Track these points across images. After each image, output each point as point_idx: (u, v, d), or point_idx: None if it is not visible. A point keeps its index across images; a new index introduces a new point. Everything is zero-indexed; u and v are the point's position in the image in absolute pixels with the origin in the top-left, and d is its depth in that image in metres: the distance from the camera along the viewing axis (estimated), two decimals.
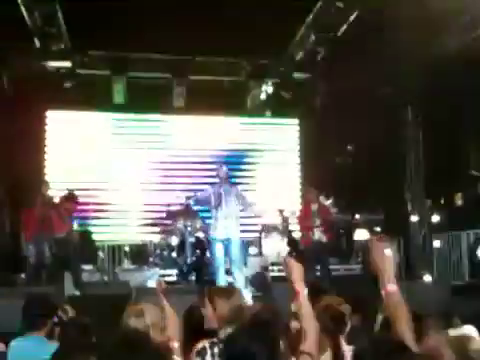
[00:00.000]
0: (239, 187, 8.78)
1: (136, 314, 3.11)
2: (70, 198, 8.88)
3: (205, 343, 3.08)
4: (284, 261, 2.76)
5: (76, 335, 3.40)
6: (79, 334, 3.40)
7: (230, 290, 3.39)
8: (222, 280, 7.76)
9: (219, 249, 7.89)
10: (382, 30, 9.05)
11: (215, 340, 3.08)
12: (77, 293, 7.78)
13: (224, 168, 8.16)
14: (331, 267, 9.54)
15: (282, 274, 9.71)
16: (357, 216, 11.19)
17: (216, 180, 8.16)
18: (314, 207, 9.41)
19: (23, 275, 9.35)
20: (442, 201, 11.34)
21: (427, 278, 9.69)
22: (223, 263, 7.88)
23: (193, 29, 9.02)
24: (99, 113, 12.08)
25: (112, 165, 11.97)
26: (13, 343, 3.96)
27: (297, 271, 2.65)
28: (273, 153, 12.82)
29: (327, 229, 9.24)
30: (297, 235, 10.95)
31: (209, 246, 8.57)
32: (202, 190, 8.49)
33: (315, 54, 11.06)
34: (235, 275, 7.87)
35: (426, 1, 8.05)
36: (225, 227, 7.86)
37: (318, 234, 9.18)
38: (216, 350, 3.02)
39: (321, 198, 10.29)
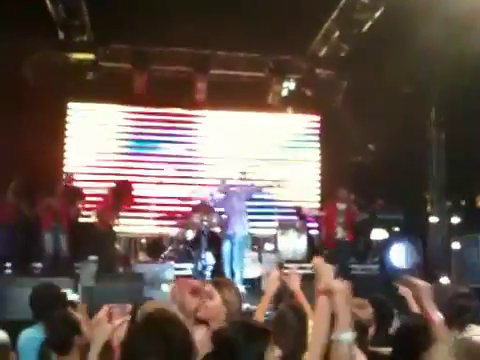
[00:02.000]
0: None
1: None
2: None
3: None
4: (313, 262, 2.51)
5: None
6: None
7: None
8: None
9: (226, 246, 8.35)
10: (407, 28, 8.94)
11: None
12: (92, 284, 7.85)
13: (237, 175, 8.57)
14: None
15: (297, 271, 9.70)
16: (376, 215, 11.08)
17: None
18: (341, 206, 9.37)
19: (39, 264, 9.49)
20: (463, 202, 11.18)
21: (444, 280, 9.56)
22: (228, 260, 8.30)
23: (216, 23, 9.00)
24: (120, 106, 12.13)
25: (131, 157, 12.06)
26: (23, 332, 4.03)
27: (327, 272, 2.36)
28: (293, 150, 12.77)
29: (350, 228, 9.24)
30: (315, 233, 10.92)
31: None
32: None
33: (339, 51, 10.98)
34: (234, 273, 8.26)
35: None
36: (232, 223, 8.33)
37: (341, 232, 9.16)
38: None
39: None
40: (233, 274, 8.59)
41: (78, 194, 9.85)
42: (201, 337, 2.87)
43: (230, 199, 8.65)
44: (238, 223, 8.52)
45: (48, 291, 4.26)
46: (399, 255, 9.44)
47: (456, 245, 10.30)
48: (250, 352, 2.11)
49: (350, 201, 9.51)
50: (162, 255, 9.80)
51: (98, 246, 9.01)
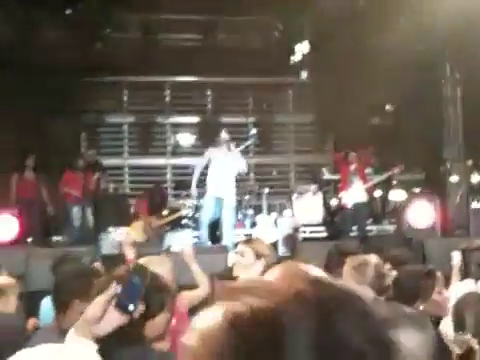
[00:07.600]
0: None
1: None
2: None
3: None
4: None
5: None
6: None
7: None
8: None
9: (210, 207, 8.20)
10: None
11: None
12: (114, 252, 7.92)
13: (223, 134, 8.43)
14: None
15: (313, 235, 9.70)
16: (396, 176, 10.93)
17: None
18: (352, 167, 9.35)
19: (61, 238, 9.62)
20: None
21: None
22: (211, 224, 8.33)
23: None
24: (132, 77, 12.05)
25: (147, 128, 12.10)
26: (44, 300, 4.09)
27: None
28: (309, 114, 12.69)
29: (366, 189, 9.26)
30: (331, 197, 10.87)
31: None
32: None
33: (349, 10, 10.71)
34: (222, 235, 8.26)
35: None
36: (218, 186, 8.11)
37: (359, 194, 9.16)
38: None
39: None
40: (218, 238, 8.53)
41: (99, 167, 10.07)
42: None
43: (224, 164, 8.21)
44: (226, 186, 8.15)
45: (68, 260, 4.32)
46: (418, 215, 9.33)
47: (476, 204, 10.19)
48: None
49: (361, 161, 9.52)
50: (180, 224, 9.85)
51: None
